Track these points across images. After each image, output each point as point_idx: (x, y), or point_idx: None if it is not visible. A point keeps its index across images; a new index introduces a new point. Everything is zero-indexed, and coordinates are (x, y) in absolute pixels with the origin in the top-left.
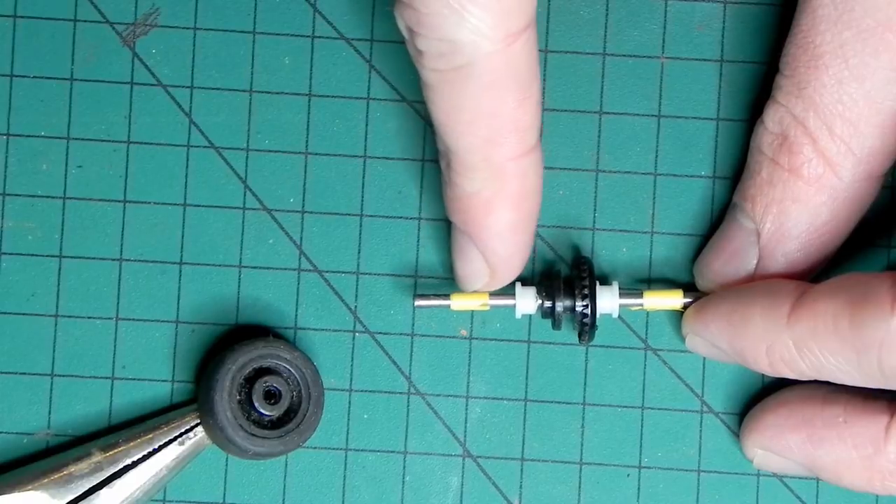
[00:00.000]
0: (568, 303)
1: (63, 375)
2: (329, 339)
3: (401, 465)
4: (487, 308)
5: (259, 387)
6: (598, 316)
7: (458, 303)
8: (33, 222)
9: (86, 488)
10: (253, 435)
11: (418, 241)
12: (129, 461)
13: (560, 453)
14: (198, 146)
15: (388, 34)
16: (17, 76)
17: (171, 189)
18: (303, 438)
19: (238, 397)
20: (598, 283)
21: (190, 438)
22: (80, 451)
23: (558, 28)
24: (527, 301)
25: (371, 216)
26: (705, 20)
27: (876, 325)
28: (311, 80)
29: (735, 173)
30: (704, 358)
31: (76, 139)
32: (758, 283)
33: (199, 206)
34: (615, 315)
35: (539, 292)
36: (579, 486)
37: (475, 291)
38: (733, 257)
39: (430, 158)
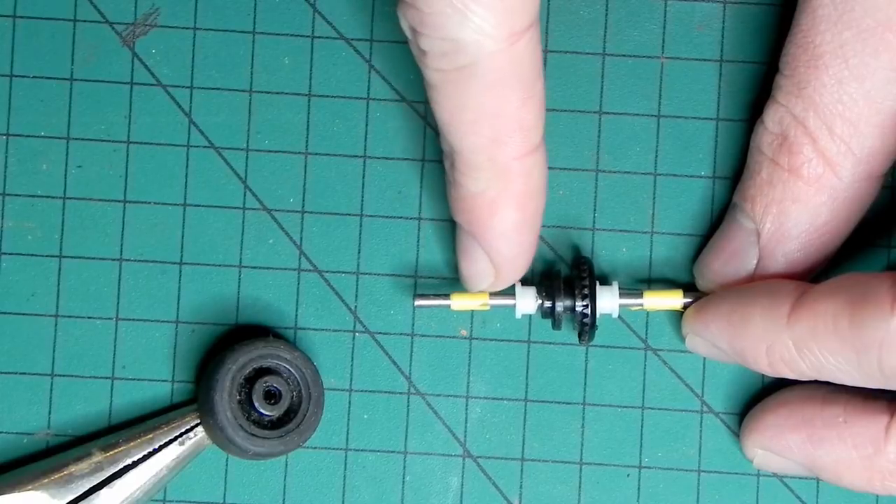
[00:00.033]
0: (568, 303)
1: (63, 375)
2: (329, 339)
3: (401, 465)
4: (487, 308)
5: (259, 387)
6: (598, 316)
7: (458, 303)
8: (33, 222)
9: (86, 488)
10: (253, 435)
11: (418, 241)
12: (129, 461)
13: (560, 453)
14: (198, 146)
15: (388, 34)
16: (17, 76)
17: (171, 189)
18: (303, 438)
19: (238, 397)
20: (598, 283)
21: (190, 438)
22: (81, 451)
23: (558, 28)
24: (527, 301)
25: (371, 216)
26: (705, 20)
27: (876, 325)
28: (311, 80)
29: (735, 173)
30: (704, 358)
31: (76, 139)
32: (758, 284)
33: (199, 206)
34: (615, 315)
35: (539, 292)
36: (579, 486)
37: (481, 291)
38: (733, 257)
39: (430, 158)
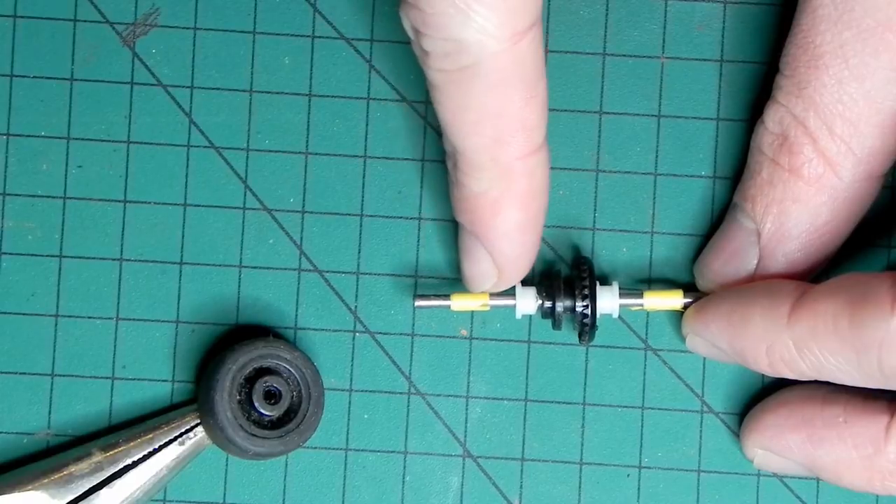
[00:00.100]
0: (568, 303)
1: (63, 375)
2: (329, 339)
3: (401, 465)
4: (488, 308)
5: (259, 387)
6: (598, 316)
7: (458, 303)
8: (33, 222)
9: (86, 488)
10: (253, 435)
11: (418, 241)
12: (129, 461)
13: (560, 453)
14: (198, 146)
15: (388, 34)
16: (17, 76)
17: (171, 189)
18: (303, 438)
19: (238, 397)
20: (598, 283)
21: (190, 438)
22: (81, 451)
23: (558, 28)
24: (527, 301)
25: (371, 216)
26: (705, 20)
27: (876, 325)
28: (311, 80)
29: (735, 173)
30: (704, 358)
31: (76, 139)
32: (758, 284)
33: (199, 206)
34: (615, 315)
35: (539, 292)
36: (579, 486)
37: (483, 292)
38: (733, 257)
39: (430, 158)
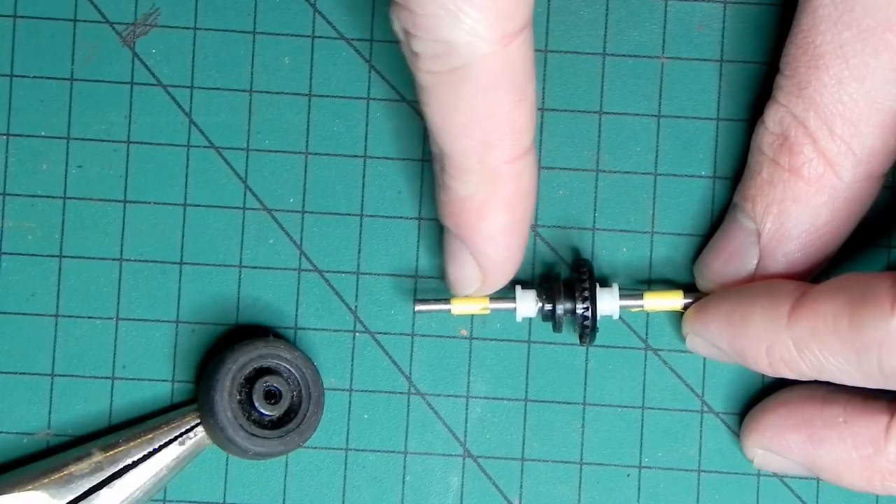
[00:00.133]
0: (568, 306)
1: (63, 375)
2: (329, 339)
3: (401, 465)
4: (488, 312)
5: (259, 387)
6: (598, 318)
7: (458, 307)
8: (33, 222)
9: (86, 488)
10: (253, 435)
11: (418, 241)
12: (129, 461)
13: (560, 453)
14: (198, 146)
15: (388, 34)
16: (17, 76)
17: (171, 189)
18: (303, 438)
19: (238, 397)
20: (598, 285)
21: (190, 438)
22: (80, 451)
23: (558, 28)
24: (527, 304)
25: (371, 216)
26: (705, 20)
27: (876, 325)
28: (311, 80)
29: (735, 173)
30: (704, 358)
31: (76, 139)
32: (758, 284)
33: (199, 206)
34: (615, 317)
35: (539, 295)
36: (579, 486)
37: (467, 296)
38: (733, 257)
39: (430, 158)
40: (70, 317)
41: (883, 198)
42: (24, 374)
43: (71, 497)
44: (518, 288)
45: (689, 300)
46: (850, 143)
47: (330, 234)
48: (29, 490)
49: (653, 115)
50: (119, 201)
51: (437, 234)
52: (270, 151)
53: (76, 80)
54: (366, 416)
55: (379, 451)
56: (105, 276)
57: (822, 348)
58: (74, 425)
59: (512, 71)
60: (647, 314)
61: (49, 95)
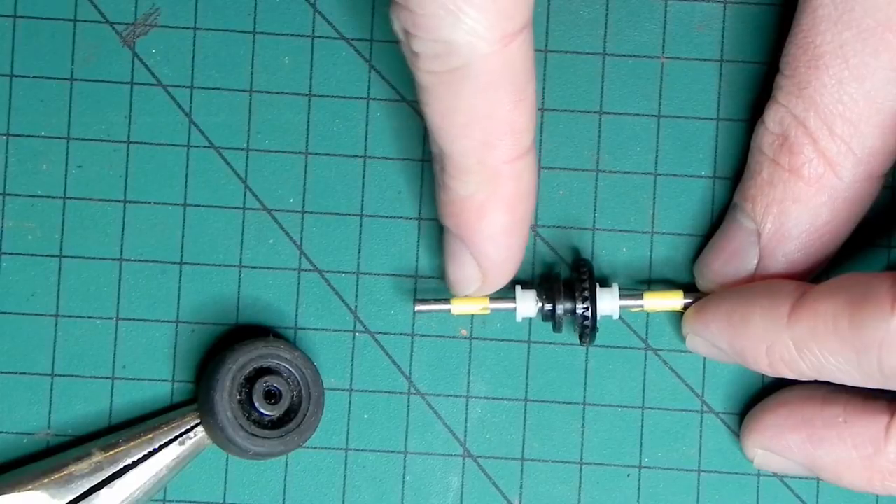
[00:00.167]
0: (568, 306)
1: (63, 375)
2: (329, 339)
3: (401, 465)
4: (488, 312)
5: (259, 387)
6: (598, 318)
7: (458, 307)
8: (33, 222)
9: (86, 488)
10: (253, 435)
11: (418, 241)
12: (129, 461)
13: (560, 453)
14: (198, 146)
15: (388, 34)
16: (17, 76)
17: (171, 189)
18: (303, 438)
19: (238, 397)
20: (598, 285)
21: (190, 438)
22: (80, 451)
23: (558, 28)
24: (527, 304)
25: (371, 216)
26: (705, 20)
27: (876, 325)
28: (311, 80)
29: (735, 173)
30: (704, 358)
31: (76, 139)
32: (758, 284)
33: (199, 206)
34: (615, 317)
35: (539, 295)
36: (579, 486)
37: (467, 296)
38: (733, 257)
39: (430, 158)
40: (70, 317)
41: (883, 198)
42: (24, 374)
43: (71, 497)
44: (518, 288)
45: (689, 300)
46: (850, 143)
47: (330, 234)
48: (29, 490)
49: (653, 115)
50: (119, 201)
51: (437, 234)
52: (270, 151)
53: (76, 80)
54: (366, 416)
55: (379, 451)
56: (105, 276)
57: (822, 348)
58: (74, 425)
59: (512, 71)
60: (647, 314)
61: (49, 95)
